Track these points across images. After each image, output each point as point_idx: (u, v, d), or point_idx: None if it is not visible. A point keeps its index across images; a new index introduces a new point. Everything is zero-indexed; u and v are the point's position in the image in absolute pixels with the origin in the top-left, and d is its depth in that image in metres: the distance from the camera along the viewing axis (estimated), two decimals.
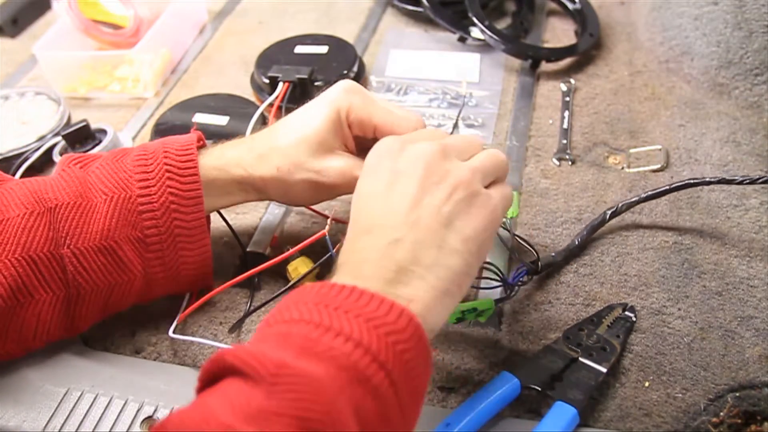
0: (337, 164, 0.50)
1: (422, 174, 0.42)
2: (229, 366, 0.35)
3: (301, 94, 0.73)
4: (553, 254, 0.57)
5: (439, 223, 0.41)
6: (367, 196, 0.43)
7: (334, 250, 0.50)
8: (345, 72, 0.77)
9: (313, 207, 0.61)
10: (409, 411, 0.37)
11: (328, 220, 0.52)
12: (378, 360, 0.35)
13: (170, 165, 0.50)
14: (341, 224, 0.61)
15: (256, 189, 0.52)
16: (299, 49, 0.81)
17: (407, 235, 0.40)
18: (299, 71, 0.74)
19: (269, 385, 0.33)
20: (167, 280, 0.52)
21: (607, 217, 0.59)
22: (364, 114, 0.50)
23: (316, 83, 0.75)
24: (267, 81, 0.75)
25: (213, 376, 0.35)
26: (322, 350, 0.35)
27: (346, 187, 0.50)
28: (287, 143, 0.50)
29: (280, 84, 0.73)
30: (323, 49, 0.80)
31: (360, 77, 0.79)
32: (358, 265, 0.40)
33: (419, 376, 0.38)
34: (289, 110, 0.55)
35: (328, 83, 0.57)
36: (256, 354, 0.34)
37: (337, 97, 0.51)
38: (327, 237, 0.50)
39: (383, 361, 0.35)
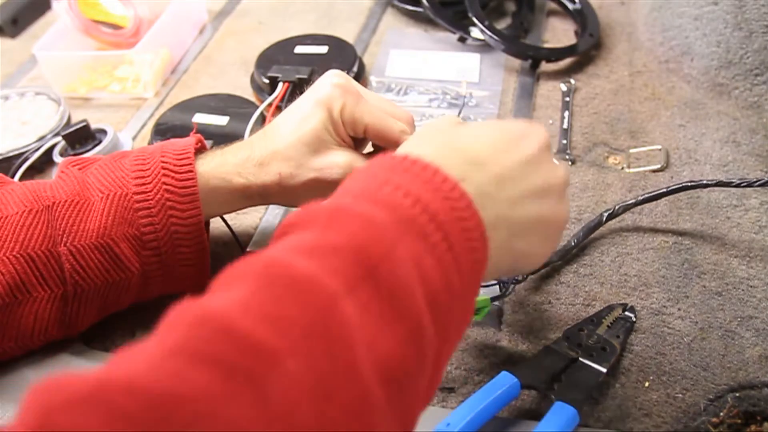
0: (338, 160, 0.50)
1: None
2: (285, 228, 0.33)
3: (300, 94, 0.73)
4: None
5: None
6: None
7: None
8: (345, 72, 0.77)
9: None
10: (470, 287, 0.36)
11: None
12: (436, 220, 0.34)
13: (166, 163, 0.50)
14: None
15: (259, 195, 0.52)
16: (299, 49, 0.81)
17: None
18: (299, 71, 0.74)
19: (325, 225, 0.32)
20: (165, 277, 0.52)
21: (604, 219, 0.59)
22: (356, 114, 0.50)
23: None
24: (267, 81, 0.75)
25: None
26: (382, 198, 0.34)
27: None
28: (286, 146, 0.50)
29: (280, 84, 0.73)
30: (323, 49, 0.80)
31: (360, 77, 0.79)
32: None
33: (478, 250, 0.36)
34: None
35: None
36: (310, 206, 0.33)
37: (330, 96, 0.50)
38: None
39: (441, 221, 0.34)
